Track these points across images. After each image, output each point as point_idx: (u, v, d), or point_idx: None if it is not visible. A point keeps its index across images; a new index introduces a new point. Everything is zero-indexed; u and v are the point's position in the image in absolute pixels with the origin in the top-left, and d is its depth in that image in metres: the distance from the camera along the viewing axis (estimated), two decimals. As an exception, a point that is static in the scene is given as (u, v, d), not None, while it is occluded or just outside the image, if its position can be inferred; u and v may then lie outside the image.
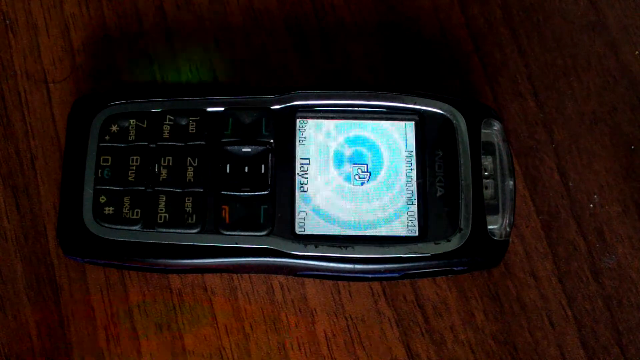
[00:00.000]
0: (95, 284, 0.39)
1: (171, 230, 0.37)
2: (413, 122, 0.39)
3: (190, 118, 0.39)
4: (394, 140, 0.39)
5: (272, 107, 0.39)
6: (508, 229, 0.38)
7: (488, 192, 0.39)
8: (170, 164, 0.38)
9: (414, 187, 0.38)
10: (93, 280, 0.39)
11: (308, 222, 0.38)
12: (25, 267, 0.40)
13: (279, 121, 0.39)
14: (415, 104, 0.39)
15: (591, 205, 0.41)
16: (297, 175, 0.38)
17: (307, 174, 0.38)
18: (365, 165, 0.39)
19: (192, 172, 0.38)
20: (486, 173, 0.39)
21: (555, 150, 0.42)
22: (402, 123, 0.39)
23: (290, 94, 0.39)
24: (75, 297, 0.39)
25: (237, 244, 0.37)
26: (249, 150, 0.38)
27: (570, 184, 0.41)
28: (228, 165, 0.38)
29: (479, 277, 0.40)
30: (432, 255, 0.37)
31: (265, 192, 0.38)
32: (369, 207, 0.38)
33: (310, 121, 0.39)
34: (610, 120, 0.42)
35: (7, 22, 0.43)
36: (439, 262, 0.37)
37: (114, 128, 0.38)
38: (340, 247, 0.37)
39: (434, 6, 0.43)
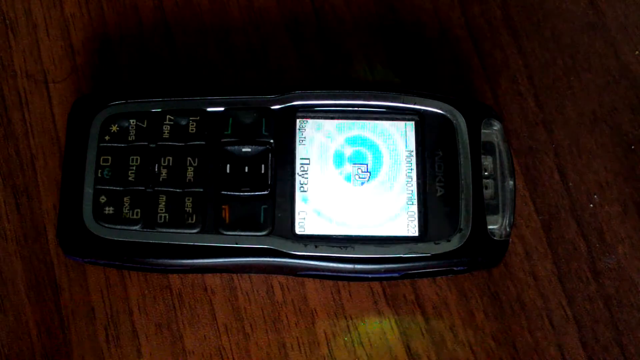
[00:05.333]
0: (95, 284, 0.39)
1: (171, 230, 0.37)
2: (413, 122, 0.39)
3: (190, 118, 0.39)
4: (394, 140, 0.39)
5: (272, 107, 0.39)
6: (508, 229, 0.38)
7: (488, 192, 0.39)
8: (170, 164, 0.38)
9: (414, 187, 0.38)
10: (93, 280, 0.39)
11: (308, 222, 0.38)
12: (25, 267, 0.40)
13: (279, 121, 0.39)
14: (415, 104, 0.39)
15: (591, 205, 0.41)
16: (297, 175, 0.38)
17: (307, 174, 0.38)
18: (365, 165, 0.39)
19: (192, 172, 0.38)
20: (486, 173, 0.39)
21: (555, 150, 0.42)
22: (402, 123, 0.39)
23: (290, 94, 0.39)
24: (75, 297, 0.39)
25: (237, 244, 0.37)
26: (249, 150, 0.38)
27: (570, 184, 0.41)
28: (228, 165, 0.38)
29: (479, 277, 0.40)
30: (432, 255, 0.37)
31: (265, 192, 0.38)
32: (369, 207, 0.38)
33: (310, 121, 0.39)
34: (610, 120, 0.42)
35: (7, 22, 0.43)
36: (439, 262, 0.37)
37: (114, 128, 0.38)
38: (340, 247, 0.37)
39: (434, 6, 0.43)
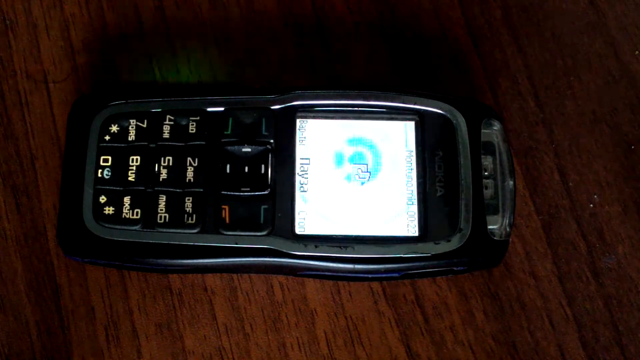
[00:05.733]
0: (95, 284, 0.39)
1: (171, 230, 0.37)
2: (413, 122, 0.39)
3: (190, 118, 0.39)
4: (394, 140, 0.39)
5: (272, 107, 0.39)
6: (508, 229, 0.38)
7: (488, 192, 0.39)
8: (170, 164, 0.38)
9: (414, 187, 0.38)
10: (93, 280, 0.39)
11: (308, 222, 0.38)
12: (25, 267, 0.40)
13: (279, 121, 0.39)
14: (415, 104, 0.39)
15: (591, 205, 0.41)
16: (297, 175, 0.38)
17: (307, 174, 0.38)
18: (365, 165, 0.39)
19: (192, 172, 0.38)
20: (486, 173, 0.39)
21: (555, 150, 0.42)
22: (402, 123, 0.39)
23: (290, 94, 0.39)
24: (75, 297, 0.39)
25: (237, 244, 0.37)
26: (249, 150, 0.38)
27: (570, 184, 0.41)
28: (228, 165, 0.38)
29: (479, 277, 0.40)
30: (432, 255, 0.37)
31: (265, 192, 0.38)
32: (369, 207, 0.38)
33: (310, 121, 0.39)
34: (610, 120, 0.42)
35: (7, 22, 0.43)
36: (439, 262, 0.37)
37: (114, 128, 0.38)
38: (340, 247, 0.37)
39: (434, 6, 0.43)
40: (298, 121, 0.39)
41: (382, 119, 0.39)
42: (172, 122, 0.39)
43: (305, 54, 0.43)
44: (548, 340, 0.39)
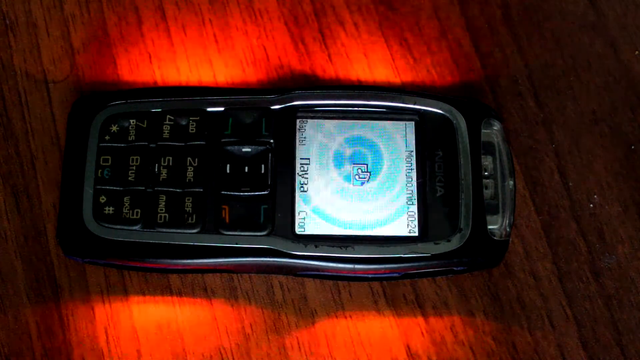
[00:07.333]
0: (95, 284, 0.39)
1: (171, 230, 0.37)
2: (413, 122, 0.39)
3: (190, 118, 0.39)
4: (394, 140, 0.39)
5: (272, 107, 0.39)
6: (508, 229, 0.38)
7: (488, 192, 0.39)
8: (170, 164, 0.38)
9: (414, 187, 0.38)
10: (93, 280, 0.39)
11: (308, 222, 0.38)
12: (25, 267, 0.40)
13: (279, 121, 0.39)
14: (415, 104, 0.39)
15: (591, 205, 0.41)
16: (297, 175, 0.38)
17: (307, 174, 0.38)
18: (365, 165, 0.39)
19: (192, 172, 0.38)
20: (486, 173, 0.39)
21: (555, 150, 0.42)
22: (402, 123, 0.39)
23: (290, 94, 0.39)
24: (75, 297, 0.39)
25: (237, 244, 0.37)
26: (249, 150, 0.38)
27: (570, 184, 0.41)
28: (228, 165, 0.38)
29: (479, 277, 0.40)
30: (432, 255, 0.37)
31: (265, 192, 0.38)
32: (369, 207, 0.38)
33: (310, 121, 0.39)
34: (610, 120, 0.42)
35: (7, 22, 0.43)
36: (439, 262, 0.37)
37: (114, 128, 0.38)
38: (340, 247, 0.37)
39: (434, 6, 0.43)
40: (298, 121, 0.39)
41: (382, 119, 0.39)
42: (172, 122, 0.39)
43: (305, 54, 0.43)
44: (548, 340, 0.39)
